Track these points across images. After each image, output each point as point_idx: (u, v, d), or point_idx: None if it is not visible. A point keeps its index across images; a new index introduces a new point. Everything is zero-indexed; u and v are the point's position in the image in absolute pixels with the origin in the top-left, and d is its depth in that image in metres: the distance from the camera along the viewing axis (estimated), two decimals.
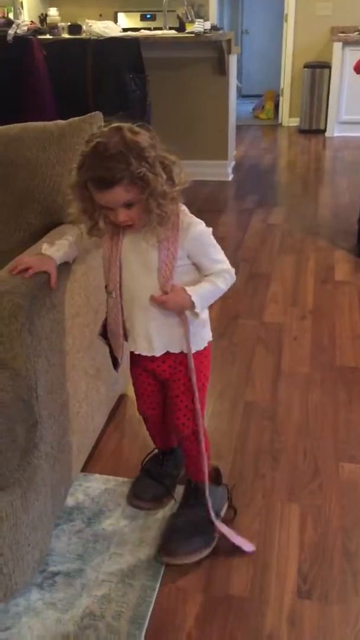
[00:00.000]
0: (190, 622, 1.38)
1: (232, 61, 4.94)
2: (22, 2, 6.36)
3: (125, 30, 5.15)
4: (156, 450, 1.77)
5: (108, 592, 1.44)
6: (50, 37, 4.57)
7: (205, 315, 1.43)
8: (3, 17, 5.25)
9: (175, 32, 4.90)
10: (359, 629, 1.36)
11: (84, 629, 1.36)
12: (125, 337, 1.45)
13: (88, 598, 1.43)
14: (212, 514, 1.53)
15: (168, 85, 4.71)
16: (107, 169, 1.16)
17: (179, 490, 1.70)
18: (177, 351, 1.42)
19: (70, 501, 1.69)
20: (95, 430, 1.80)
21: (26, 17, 6.07)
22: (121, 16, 6.86)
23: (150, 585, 1.46)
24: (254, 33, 9.25)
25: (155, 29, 5.49)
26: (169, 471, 1.74)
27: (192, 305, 1.33)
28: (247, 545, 1.54)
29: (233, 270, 1.37)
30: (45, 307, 1.36)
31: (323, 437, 1.96)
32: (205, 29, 4.56)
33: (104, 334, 1.48)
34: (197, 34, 4.49)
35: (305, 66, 6.81)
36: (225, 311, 2.76)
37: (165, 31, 5.02)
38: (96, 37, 4.18)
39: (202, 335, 1.45)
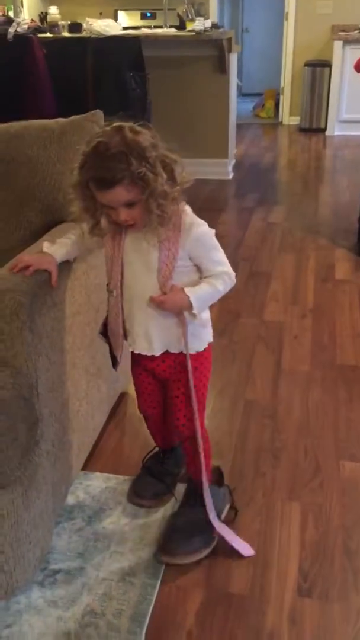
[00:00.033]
0: (190, 620, 1.38)
1: (233, 59, 4.94)
2: (22, 1, 6.36)
3: (125, 28, 5.14)
4: (157, 449, 1.77)
5: (109, 590, 1.44)
6: (51, 35, 4.57)
7: (206, 316, 1.43)
8: (3, 15, 5.24)
9: (176, 30, 4.89)
10: None
11: (84, 626, 1.36)
12: (125, 337, 1.45)
13: (89, 596, 1.43)
14: (211, 515, 1.52)
15: (168, 83, 4.70)
16: (107, 168, 1.16)
17: (180, 488, 1.70)
18: (176, 351, 1.42)
19: (71, 499, 1.70)
20: (95, 428, 1.80)
21: (26, 16, 6.06)
22: (121, 14, 6.86)
23: (151, 583, 1.46)
24: (255, 31, 9.25)
25: (155, 27, 5.50)
26: (170, 469, 1.74)
27: (190, 306, 1.33)
28: (246, 550, 1.53)
29: (234, 274, 1.37)
30: (46, 305, 1.36)
31: (323, 436, 1.97)
32: (205, 27, 4.56)
33: (104, 332, 1.48)
34: (198, 33, 4.49)
35: (306, 65, 6.80)
36: (226, 309, 2.76)
37: (165, 29, 5.02)
38: (96, 36, 4.17)
39: (203, 337, 1.44)
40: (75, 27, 4.72)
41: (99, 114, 1.74)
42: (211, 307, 1.43)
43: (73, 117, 1.74)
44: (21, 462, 1.24)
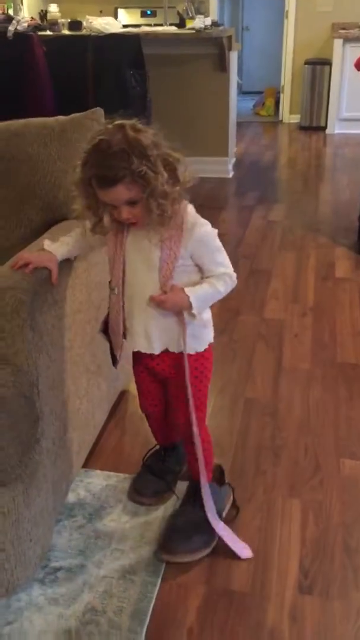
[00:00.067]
0: (191, 618, 1.38)
1: (233, 58, 4.93)
2: None
3: (125, 26, 5.14)
4: (158, 446, 1.77)
5: (109, 587, 1.45)
6: (51, 33, 4.56)
7: (207, 316, 1.42)
8: (3, 13, 5.23)
9: (176, 28, 4.89)
10: None
11: (85, 624, 1.36)
12: (124, 335, 1.45)
13: (89, 593, 1.43)
14: (210, 515, 1.52)
15: (168, 81, 4.70)
16: (109, 167, 1.16)
17: (180, 486, 1.71)
18: (176, 351, 1.41)
19: (71, 497, 1.70)
20: (96, 426, 1.80)
21: (26, 14, 6.05)
22: (121, 12, 6.85)
23: (152, 581, 1.46)
24: (255, 29, 9.25)
25: (155, 25, 5.50)
26: (171, 467, 1.74)
27: (190, 306, 1.32)
28: (245, 552, 1.52)
29: (235, 275, 1.36)
30: (46, 303, 1.36)
31: (324, 434, 1.97)
32: (205, 25, 4.56)
33: (105, 330, 1.48)
34: (198, 31, 4.49)
35: (306, 63, 6.80)
36: (226, 307, 2.75)
37: (165, 27, 5.01)
38: (96, 34, 4.17)
39: (203, 337, 1.44)
40: (75, 25, 4.72)
41: (99, 111, 1.74)
42: (211, 306, 1.43)
43: (73, 115, 1.74)
44: (22, 460, 1.25)
